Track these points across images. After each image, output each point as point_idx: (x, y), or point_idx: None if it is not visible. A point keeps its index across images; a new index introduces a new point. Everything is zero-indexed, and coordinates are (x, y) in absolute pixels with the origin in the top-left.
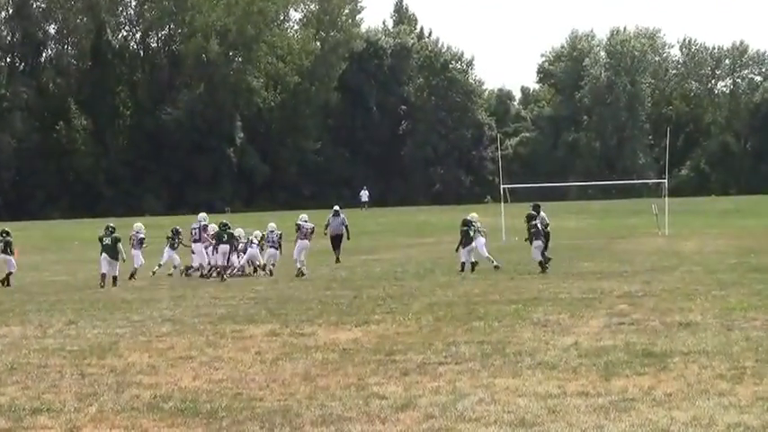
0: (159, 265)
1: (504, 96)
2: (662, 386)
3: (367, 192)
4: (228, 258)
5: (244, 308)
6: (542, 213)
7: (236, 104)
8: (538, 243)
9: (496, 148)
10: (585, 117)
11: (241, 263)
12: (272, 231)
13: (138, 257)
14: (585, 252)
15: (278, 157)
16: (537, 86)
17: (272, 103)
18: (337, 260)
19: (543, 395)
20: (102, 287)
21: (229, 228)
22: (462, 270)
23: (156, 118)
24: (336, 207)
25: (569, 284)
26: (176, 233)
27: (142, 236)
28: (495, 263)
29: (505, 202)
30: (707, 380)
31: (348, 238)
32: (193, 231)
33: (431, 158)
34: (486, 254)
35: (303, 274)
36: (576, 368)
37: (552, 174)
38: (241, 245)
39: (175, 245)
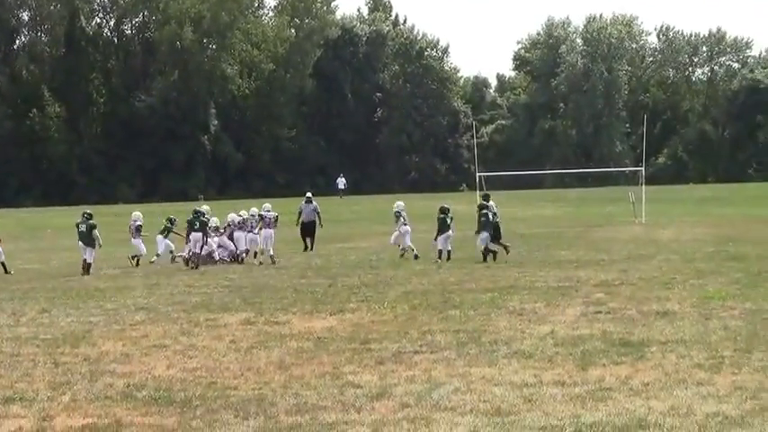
0: (158, 255)
1: (479, 84)
2: (639, 375)
3: (344, 179)
4: (202, 246)
5: (218, 296)
6: (491, 203)
7: (210, 92)
8: (484, 235)
9: (472, 135)
10: (562, 104)
11: (241, 249)
12: (256, 214)
13: (140, 245)
14: (562, 240)
15: (252, 145)
16: (513, 74)
17: (247, 91)
18: (305, 248)
19: (519, 384)
20: (83, 274)
21: (203, 215)
22: (439, 258)
23: (130, 105)
24: (308, 194)
25: (545, 273)
26: (172, 222)
27: (139, 223)
28: (415, 252)
29: (481, 190)
30: (685, 369)
31: (321, 225)
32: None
33: (406, 146)
34: (409, 242)
35: (274, 262)
36: (553, 357)
37: (528, 162)
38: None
39: (168, 233)
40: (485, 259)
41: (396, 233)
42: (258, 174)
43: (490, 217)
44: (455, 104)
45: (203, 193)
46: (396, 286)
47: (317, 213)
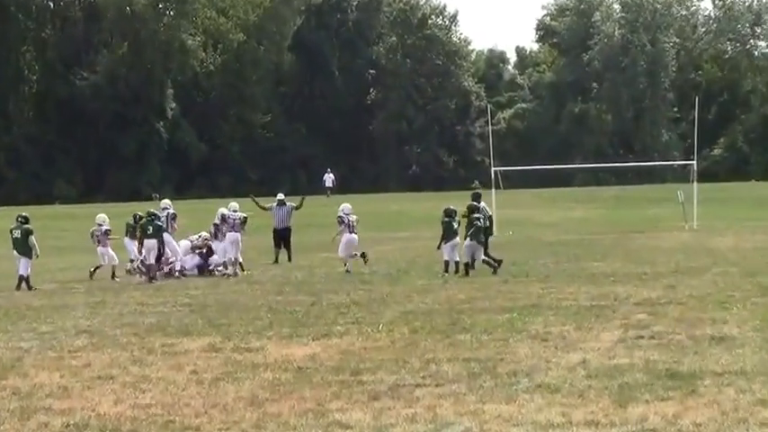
0: (131, 261)
1: (495, 59)
2: (690, 414)
3: (331, 175)
4: (159, 256)
5: (177, 316)
6: (483, 204)
7: (166, 68)
8: (472, 243)
9: (486, 121)
10: (595, 84)
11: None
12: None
13: (108, 253)
14: (595, 249)
15: (218, 133)
16: (536, 47)
17: (212, 67)
18: (276, 260)
19: (544, 424)
20: (17, 288)
21: (158, 218)
22: (446, 271)
23: (70, 84)
24: (280, 195)
25: (575, 289)
26: (138, 221)
27: (107, 227)
28: (347, 268)
29: (497, 188)
30: (745, 407)
31: (299, 207)
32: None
33: (405, 135)
34: (345, 253)
35: (236, 274)
36: (584, 392)
37: (554, 154)
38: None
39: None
40: (467, 272)
41: (343, 242)
42: (226, 168)
43: (480, 222)
44: (465, 84)
45: (158, 191)
46: (393, 305)
47: (296, 208)
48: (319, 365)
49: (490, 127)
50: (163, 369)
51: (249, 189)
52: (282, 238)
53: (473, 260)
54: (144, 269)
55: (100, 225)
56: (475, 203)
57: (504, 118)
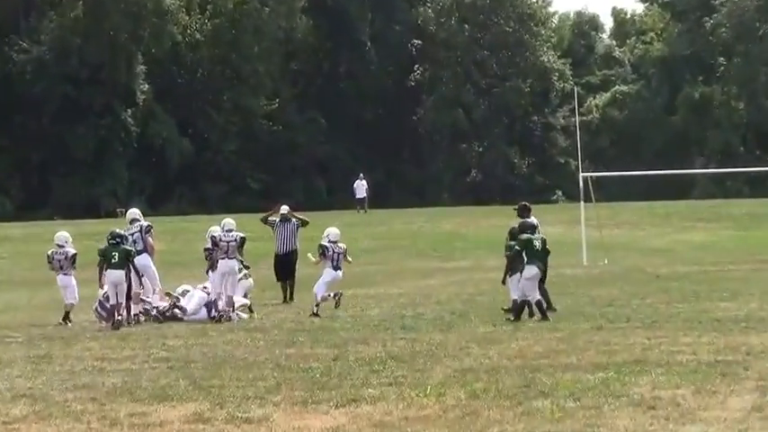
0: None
1: (585, 25)
2: None
3: (364, 183)
4: (128, 292)
5: (150, 375)
6: (534, 219)
7: (136, 37)
8: (533, 271)
9: (572, 110)
10: (722, 59)
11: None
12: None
13: (71, 286)
14: (722, 285)
15: (207, 126)
16: (640, 8)
17: (198, 36)
18: (285, 299)
19: None
20: None
21: (125, 240)
22: (515, 316)
23: (4, 58)
24: (285, 208)
25: (694, 339)
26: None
27: (72, 250)
28: (316, 309)
29: (587, 200)
30: None
31: (304, 224)
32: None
33: (462, 128)
34: (323, 293)
35: (229, 319)
36: None
37: (666, 154)
38: None
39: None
40: (545, 315)
41: (323, 278)
42: (216, 173)
43: (537, 244)
44: (544, 59)
45: (125, 204)
46: (445, 360)
47: (299, 224)
48: None
49: (577, 117)
50: None
51: (250, 202)
52: (285, 267)
53: (547, 297)
54: (104, 312)
55: (61, 246)
56: (528, 220)
57: (596, 105)
